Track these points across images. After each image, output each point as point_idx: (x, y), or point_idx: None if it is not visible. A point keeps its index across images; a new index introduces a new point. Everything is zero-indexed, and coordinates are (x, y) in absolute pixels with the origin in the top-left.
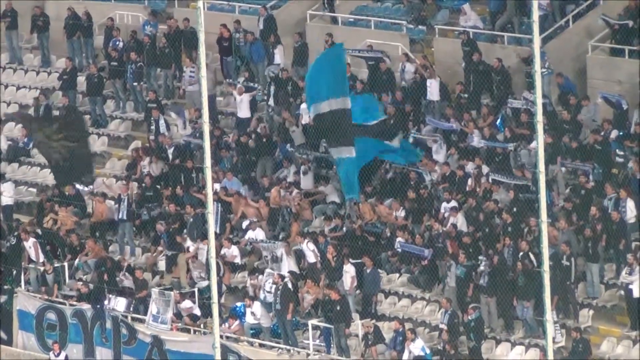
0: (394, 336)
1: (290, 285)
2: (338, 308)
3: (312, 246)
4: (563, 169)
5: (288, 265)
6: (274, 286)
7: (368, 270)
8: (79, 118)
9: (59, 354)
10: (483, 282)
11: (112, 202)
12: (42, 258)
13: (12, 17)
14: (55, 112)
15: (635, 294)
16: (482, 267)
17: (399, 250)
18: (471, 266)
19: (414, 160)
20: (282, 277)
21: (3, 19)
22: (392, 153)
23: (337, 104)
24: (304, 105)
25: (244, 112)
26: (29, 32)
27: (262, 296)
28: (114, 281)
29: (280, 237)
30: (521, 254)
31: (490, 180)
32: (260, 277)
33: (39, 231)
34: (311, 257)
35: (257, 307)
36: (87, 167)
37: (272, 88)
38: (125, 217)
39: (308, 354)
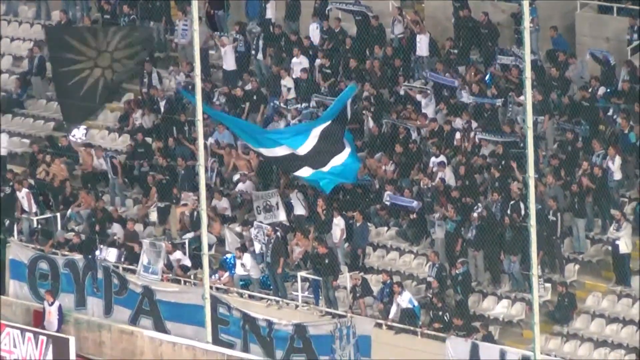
0: (381, 288)
1: (280, 238)
2: (326, 261)
3: (301, 196)
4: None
5: (282, 214)
6: (267, 238)
7: (358, 224)
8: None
9: (52, 303)
10: (471, 236)
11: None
12: (34, 208)
13: None
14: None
15: (622, 250)
16: (475, 214)
17: (388, 202)
18: (460, 221)
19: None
20: (275, 229)
21: None
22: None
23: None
24: (295, 60)
25: (229, 64)
26: None
27: (252, 248)
28: (105, 232)
29: (270, 189)
30: (512, 202)
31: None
32: (251, 229)
33: (32, 182)
34: (300, 209)
35: (247, 258)
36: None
37: (261, 42)
38: (113, 175)
39: (297, 306)
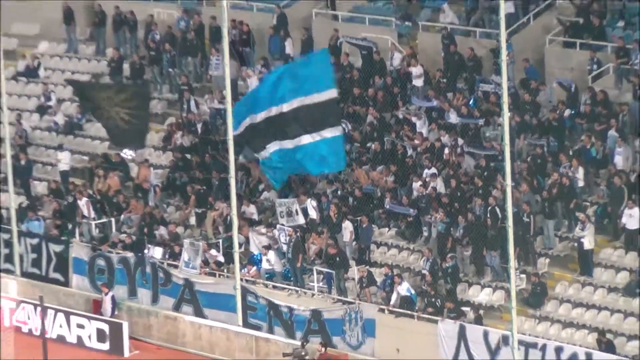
0: (384, 279)
1: (299, 238)
2: (337, 259)
3: (314, 203)
4: (525, 143)
5: (301, 218)
6: (288, 238)
7: (364, 226)
8: (146, 92)
9: (107, 294)
10: (459, 234)
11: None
12: (93, 214)
13: (69, 14)
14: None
15: (586, 246)
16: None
17: (388, 208)
18: (449, 222)
19: (336, 168)
20: (295, 230)
21: (65, 17)
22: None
23: (325, 96)
24: None
25: None
26: (84, 26)
27: (275, 246)
28: (153, 233)
29: (289, 197)
30: (488, 209)
31: (464, 151)
32: (274, 230)
33: (90, 192)
34: (313, 213)
35: (271, 255)
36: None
37: None
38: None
39: (313, 294)
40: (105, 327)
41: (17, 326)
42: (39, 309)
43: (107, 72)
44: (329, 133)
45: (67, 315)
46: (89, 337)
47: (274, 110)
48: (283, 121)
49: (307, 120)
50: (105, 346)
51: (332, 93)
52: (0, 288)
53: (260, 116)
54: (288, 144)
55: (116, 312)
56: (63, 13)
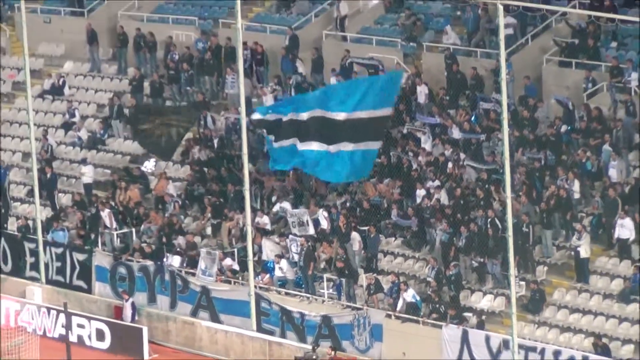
0: (390, 287)
1: (311, 247)
2: (346, 272)
3: (325, 214)
4: (524, 157)
5: (312, 228)
6: (300, 247)
7: (372, 236)
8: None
9: (127, 300)
10: (461, 244)
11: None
12: (115, 225)
13: (92, 36)
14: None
15: (582, 255)
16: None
17: (395, 220)
18: (452, 232)
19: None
20: (307, 240)
21: (88, 38)
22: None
23: (380, 113)
24: None
25: None
26: (107, 47)
27: (288, 255)
28: (171, 243)
29: (300, 208)
30: (489, 219)
31: (465, 165)
32: (287, 240)
33: (112, 203)
34: (324, 224)
35: (284, 263)
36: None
37: (294, 91)
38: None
39: (323, 301)
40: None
41: (22, 326)
42: (42, 309)
43: (129, 90)
44: (367, 146)
45: (88, 319)
46: (88, 337)
47: (322, 113)
48: (332, 126)
49: (355, 131)
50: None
51: (387, 111)
52: (25, 294)
53: (304, 115)
54: (332, 148)
55: (136, 318)
56: (87, 34)
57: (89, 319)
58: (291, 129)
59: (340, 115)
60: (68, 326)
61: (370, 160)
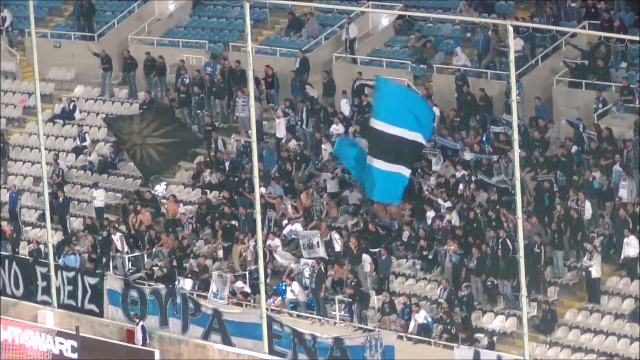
0: (402, 308)
1: (322, 269)
2: (357, 298)
3: (337, 236)
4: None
5: (322, 250)
6: (311, 269)
7: (383, 257)
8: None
9: (138, 323)
10: (473, 265)
11: (181, 204)
12: (126, 248)
13: (107, 61)
14: None
15: (594, 275)
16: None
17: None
18: (463, 254)
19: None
20: (318, 262)
21: (102, 65)
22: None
23: (411, 136)
24: (334, 126)
25: (281, 132)
26: (117, 71)
27: (301, 279)
28: (182, 266)
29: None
30: (500, 240)
31: (478, 179)
32: (298, 263)
33: (124, 227)
34: (337, 246)
35: (295, 286)
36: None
37: (305, 114)
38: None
39: (335, 322)
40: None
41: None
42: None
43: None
44: (399, 169)
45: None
46: None
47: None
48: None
49: (392, 149)
50: None
51: (419, 137)
52: (37, 318)
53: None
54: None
55: (148, 341)
56: (101, 60)
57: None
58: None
59: (381, 125)
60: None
61: (401, 184)
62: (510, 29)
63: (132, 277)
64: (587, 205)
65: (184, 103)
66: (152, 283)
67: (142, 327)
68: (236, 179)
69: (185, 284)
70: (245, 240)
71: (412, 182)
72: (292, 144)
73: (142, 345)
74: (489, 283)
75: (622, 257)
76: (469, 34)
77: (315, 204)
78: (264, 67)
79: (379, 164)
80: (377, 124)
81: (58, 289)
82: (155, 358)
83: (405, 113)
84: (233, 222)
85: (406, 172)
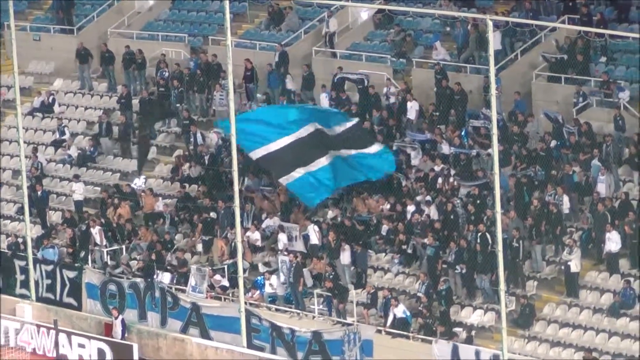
0: (381, 302)
1: (300, 263)
2: (336, 291)
3: (317, 229)
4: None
5: (300, 244)
6: (289, 263)
7: (359, 252)
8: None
9: (117, 317)
10: (450, 259)
11: (160, 198)
12: (105, 242)
13: (84, 54)
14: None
15: (573, 269)
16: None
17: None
18: (438, 246)
19: (388, 169)
20: (296, 256)
21: (77, 57)
22: (367, 168)
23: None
24: None
25: None
26: (96, 64)
27: (279, 274)
28: (162, 260)
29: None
30: (480, 234)
31: (455, 182)
32: (277, 256)
33: (102, 221)
34: (314, 239)
35: (274, 279)
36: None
37: None
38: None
39: (314, 317)
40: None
41: (22, 346)
42: (42, 329)
43: (118, 108)
44: (372, 149)
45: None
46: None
47: (292, 137)
48: (331, 139)
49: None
50: None
51: (353, 121)
52: (16, 312)
53: (277, 144)
54: (337, 154)
55: (126, 335)
56: (77, 53)
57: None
58: (288, 158)
59: (303, 132)
60: (58, 344)
61: (386, 158)
62: (490, 23)
63: (113, 272)
64: (565, 199)
65: (163, 97)
66: (130, 276)
67: (122, 321)
68: (215, 173)
69: (164, 277)
70: (224, 234)
71: (391, 176)
72: None
73: (121, 338)
74: (466, 277)
75: (603, 252)
76: (448, 28)
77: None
78: (243, 61)
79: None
80: (302, 132)
81: (36, 283)
82: (133, 352)
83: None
84: (212, 214)
85: (379, 146)
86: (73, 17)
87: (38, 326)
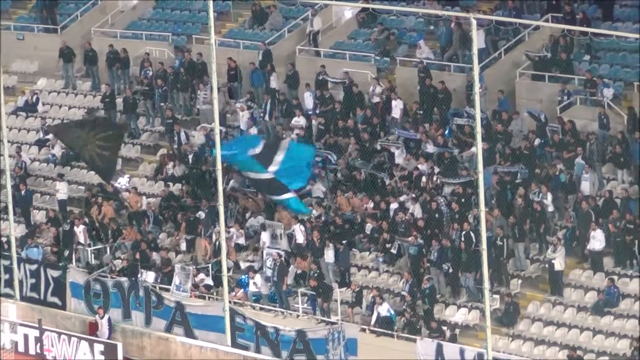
0: (370, 301)
1: (284, 262)
2: (320, 290)
3: (302, 228)
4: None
5: (284, 243)
6: (274, 262)
7: (341, 250)
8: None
9: (102, 317)
10: (433, 257)
11: (144, 197)
12: (89, 241)
13: (68, 53)
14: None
15: (557, 267)
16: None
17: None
18: (421, 245)
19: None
20: (279, 254)
21: (61, 56)
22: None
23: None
24: (296, 119)
25: (243, 125)
26: (80, 63)
27: (263, 270)
28: (146, 259)
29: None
30: (464, 232)
31: (439, 181)
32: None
33: (86, 220)
34: (300, 238)
35: (258, 278)
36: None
37: (268, 107)
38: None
39: (298, 315)
40: (101, 348)
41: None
42: (62, 337)
43: (102, 107)
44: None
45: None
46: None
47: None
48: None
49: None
50: None
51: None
52: (0, 311)
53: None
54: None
55: (112, 334)
56: (60, 52)
57: (62, 334)
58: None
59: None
60: (43, 343)
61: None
62: (474, 22)
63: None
64: (549, 197)
65: (147, 95)
66: (114, 275)
67: (108, 320)
68: (199, 172)
69: (148, 276)
70: (209, 233)
71: (375, 175)
72: (253, 130)
73: (108, 338)
74: (450, 276)
75: (587, 250)
76: (432, 27)
77: None
78: (226, 59)
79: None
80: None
81: (21, 282)
82: (118, 351)
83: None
84: (200, 213)
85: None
86: (57, 16)
87: (59, 334)
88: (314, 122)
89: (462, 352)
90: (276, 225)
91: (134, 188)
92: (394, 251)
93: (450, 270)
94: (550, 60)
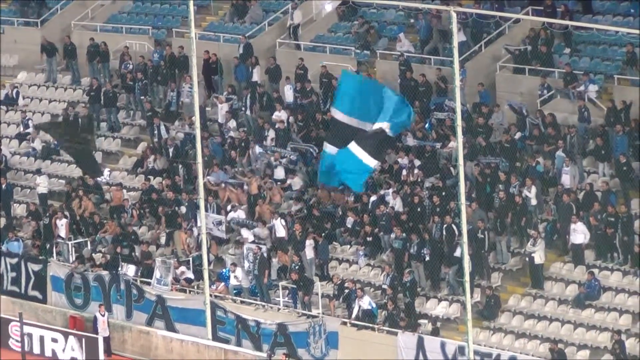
0: (347, 293)
1: (265, 255)
2: (301, 283)
3: (283, 222)
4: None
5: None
6: (254, 255)
7: (319, 243)
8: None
9: (104, 314)
10: (413, 251)
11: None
12: (69, 234)
13: (51, 48)
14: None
15: (537, 261)
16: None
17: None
18: (405, 239)
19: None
20: (259, 248)
21: (44, 50)
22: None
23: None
24: (277, 113)
25: (221, 118)
26: (60, 57)
27: (244, 264)
28: (126, 252)
29: (256, 216)
30: (445, 225)
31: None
32: (243, 248)
33: (67, 213)
34: (281, 232)
35: (239, 272)
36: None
37: (249, 100)
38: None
39: (279, 309)
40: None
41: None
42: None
43: (84, 100)
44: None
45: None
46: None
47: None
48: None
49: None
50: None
51: (384, 126)
52: None
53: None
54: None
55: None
56: (42, 47)
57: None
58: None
59: (340, 116)
60: (24, 336)
61: (366, 173)
62: (454, 15)
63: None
64: (533, 190)
65: (127, 89)
66: (95, 269)
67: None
68: (180, 165)
69: (129, 270)
70: (189, 226)
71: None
72: (232, 124)
73: (108, 335)
74: (431, 269)
75: (569, 243)
76: (412, 20)
77: (261, 191)
78: (207, 53)
79: (332, 149)
80: (336, 114)
81: (1, 276)
82: (98, 344)
83: (368, 106)
84: (183, 208)
85: (371, 162)
86: (37, 10)
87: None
88: (291, 118)
89: (443, 345)
90: (252, 225)
91: (119, 184)
92: (381, 245)
93: (427, 259)
94: (531, 53)
